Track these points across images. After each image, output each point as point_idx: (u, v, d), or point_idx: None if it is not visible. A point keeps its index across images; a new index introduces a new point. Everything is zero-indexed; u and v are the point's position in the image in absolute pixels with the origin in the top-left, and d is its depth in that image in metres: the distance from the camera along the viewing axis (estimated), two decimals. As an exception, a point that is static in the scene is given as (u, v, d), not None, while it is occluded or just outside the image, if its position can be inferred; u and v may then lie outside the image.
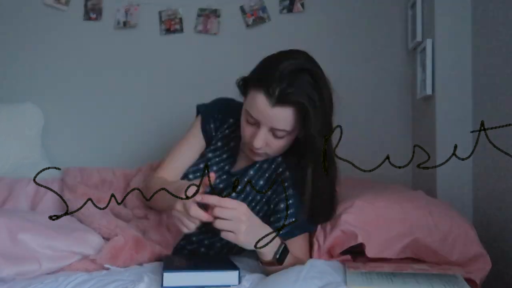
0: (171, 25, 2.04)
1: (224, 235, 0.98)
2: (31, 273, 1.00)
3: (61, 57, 2.08)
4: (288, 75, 1.07)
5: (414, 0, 1.78)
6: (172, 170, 1.31)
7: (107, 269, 1.06)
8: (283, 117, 1.10)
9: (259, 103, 1.09)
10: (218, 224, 0.97)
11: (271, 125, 1.11)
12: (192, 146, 1.34)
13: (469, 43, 1.56)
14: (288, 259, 1.08)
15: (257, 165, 1.26)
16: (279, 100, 1.07)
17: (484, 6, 1.47)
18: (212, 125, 1.34)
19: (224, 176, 1.28)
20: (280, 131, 1.12)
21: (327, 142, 1.13)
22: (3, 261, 0.97)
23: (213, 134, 1.34)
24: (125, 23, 2.05)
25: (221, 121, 1.35)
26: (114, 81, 2.07)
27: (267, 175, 1.25)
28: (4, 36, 2.09)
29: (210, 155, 1.31)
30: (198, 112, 1.39)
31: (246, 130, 1.17)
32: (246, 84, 1.18)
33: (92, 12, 2.07)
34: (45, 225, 1.07)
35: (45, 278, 1.00)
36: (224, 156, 1.31)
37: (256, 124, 1.14)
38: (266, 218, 1.21)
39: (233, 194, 1.22)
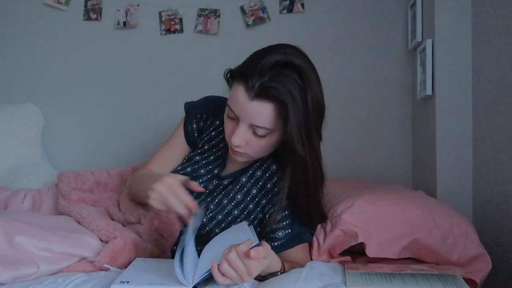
0: (171, 25, 2.04)
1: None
2: (29, 276, 1.00)
3: (61, 57, 2.08)
4: (271, 69, 1.01)
5: (414, 0, 1.78)
6: (154, 169, 1.30)
7: (107, 269, 1.06)
8: (262, 112, 1.03)
9: (238, 96, 1.04)
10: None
11: (249, 120, 1.05)
12: (175, 148, 1.30)
13: (469, 43, 1.56)
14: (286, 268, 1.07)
15: (250, 172, 1.21)
16: (258, 94, 1.01)
17: (484, 6, 1.47)
18: (194, 126, 1.29)
19: (215, 180, 1.24)
20: (260, 128, 1.05)
21: (310, 146, 1.06)
22: (0, 265, 0.96)
23: (196, 135, 1.29)
24: (125, 23, 2.05)
25: (206, 121, 1.29)
26: (114, 81, 2.08)
27: (261, 183, 1.21)
28: (4, 36, 2.09)
29: (197, 158, 1.27)
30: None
31: (227, 125, 1.11)
32: (232, 77, 1.12)
33: (92, 12, 2.07)
34: (42, 227, 1.07)
35: (44, 279, 0.99)
36: (212, 158, 1.26)
37: (236, 119, 1.08)
38: (260, 226, 1.20)
39: (225, 201, 1.20)
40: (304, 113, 1.03)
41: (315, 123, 1.07)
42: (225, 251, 0.91)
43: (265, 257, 0.91)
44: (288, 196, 1.12)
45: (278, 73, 1.02)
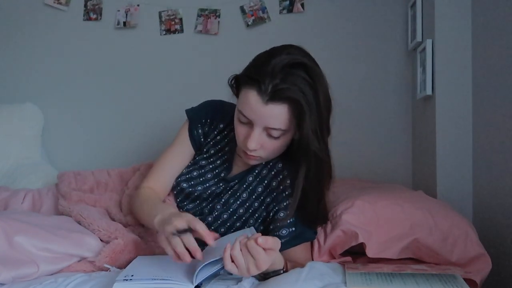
0: (171, 25, 2.04)
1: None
2: (29, 276, 1.00)
3: (61, 57, 2.08)
4: (281, 70, 1.02)
5: (414, 0, 1.78)
6: (160, 180, 1.27)
7: (107, 269, 1.06)
8: (277, 114, 1.04)
9: (251, 100, 1.04)
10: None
11: (264, 124, 1.06)
12: (180, 154, 1.29)
13: (469, 43, 1.56)
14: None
15: (256, 171, 1.22)
16: (272, 97, 1.02)
17: (484, 6, 1.47)
18: (200, 131, 1.28)
19: (221, 184, 1.24)
20: (275, 130, 1.07)
21: (323, 143, 1.08)
22: (0, 265, 0.96)
23: (202, 139, 1.29)
24: (125, 23, 2.05)
25: (210, 126, 1.29)
26: (114, 81, 2.08)
27: (266, 181, 1.21)
28: (4, 36, 2.09)
29: (203, 162, 1.27)
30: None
31: (239, 131, 1.12)
32: (238, 83, 1.13)
33: (92, 12, 2.07)
34: (42, 227, 1.07)
35: (45, 279, 0.99)
36: (218, 162, 1.26)
37: (249, 124, 1.08)
38: (264, 225, 1.20)
39: (231, 200, 1.21)
40: (317, 110, 1.04)
41: (326, 118, 1.09)
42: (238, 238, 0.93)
43: (272, 248, 0.92)
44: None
45: (287, 73, 1.02)
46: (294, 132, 1.10)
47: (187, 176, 1.26)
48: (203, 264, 0.93)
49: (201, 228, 0.95)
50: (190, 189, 1.24)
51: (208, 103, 1.33)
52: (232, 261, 0.91)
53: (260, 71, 1.04)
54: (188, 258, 0.92)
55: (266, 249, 0.91)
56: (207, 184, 1.25)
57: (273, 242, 0.92)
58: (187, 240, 0.93)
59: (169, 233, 0.94)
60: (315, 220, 1.18)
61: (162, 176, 1.28)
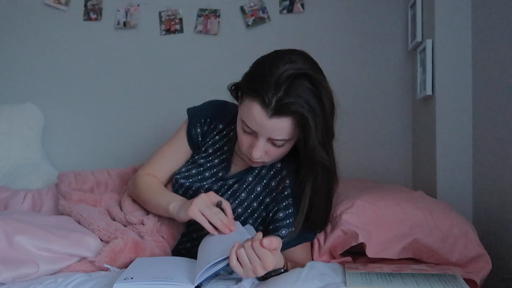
0: (171, 25, 2.04)
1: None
2: (29, 276, 1.00)
3: (61, 57, 2.08)
4: (285, 82, 1.00)
5: (414, 0, 1.78)
6: (159, 169, 1.29)
7: (107, 269, 1.06)
8: (281, 127, 1.04)
9: (255, 113, 1.03)
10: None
11: (269, 135, 1.06)
12: (177, 150, 1.30)
13: (469, 43, 1.56)
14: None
15: (256, 171, 1.22)
16: (277, 111, 1.01)
17: (484, 6, 1.47)
18: (198, 130, 1.29)
19: (220, 183, 1.24)
20: (279, 140, 1.07)
21: (331, 150, 1.09)
22: (0, 265, 0.96)
23: (200, 139, 1.29)
24: (125, 24, 2.05)
25: (209, 125, 1.29)
26: (114, 82, 2.08)
27: (265, 181, 1.21)
28: (4, 36, 2.09)
29: (201, 161, 1.27)
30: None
31: (244, 139, 1.12)
32: (239, 90, 1.12)
33: (92, 12, 2.07)
34: (42, 226, 1.07)
35: (45, 279, 0.99)
36: (216, 161, 1.27)
37: (254, 133, 1.09)
38: (263, 225, 1.20)
39: (230, 200, 1.20)
40: (323, 119, 1.04)
41: (331, 124, 1.09)
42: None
43: (276, 248, 0.92)
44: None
45: (291, 85, 1.01)
46: (299, 138, 1.09)
47: (186, 174, 1.27)
48: (208, 266, 0.93)
49: (229, 212, 1.09)
50: (188, 184, 1.24)
51: (210, 103, 1.33)
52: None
53: (263, 83, 1.02)
54: (228, 231, 1.04)
55: (271, 249, 0.91)
56: (205, 183, 1.25)
57: (278, 242, 0.93)
58: (221, 215, 1.06)
59: (204, 206, 1.06)
60: (318, 226, 1.17)
61: (160, 165, 1.31)
